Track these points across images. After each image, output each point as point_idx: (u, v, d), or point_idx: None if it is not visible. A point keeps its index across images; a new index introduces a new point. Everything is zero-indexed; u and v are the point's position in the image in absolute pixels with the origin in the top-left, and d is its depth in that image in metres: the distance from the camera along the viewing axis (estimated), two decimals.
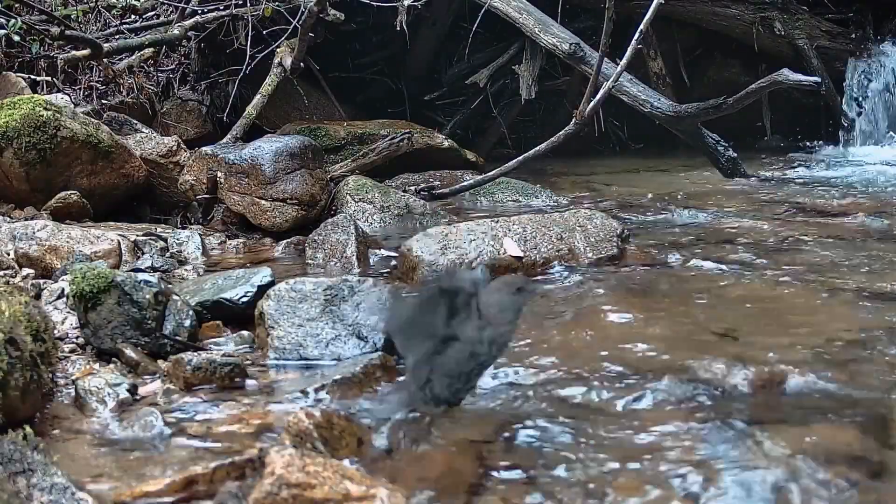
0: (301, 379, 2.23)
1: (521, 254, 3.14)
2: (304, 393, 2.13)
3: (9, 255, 3.25)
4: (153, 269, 3.24)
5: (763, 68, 6.42)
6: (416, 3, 5.97)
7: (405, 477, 1.71)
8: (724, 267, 3.19)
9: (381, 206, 4.24)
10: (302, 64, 5.56)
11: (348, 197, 4.27)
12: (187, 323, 2.49)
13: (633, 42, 4.39)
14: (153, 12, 6.64)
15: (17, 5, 5.71)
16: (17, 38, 5.20)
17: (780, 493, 1.60)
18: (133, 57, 6.12)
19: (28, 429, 1.79)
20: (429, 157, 5.55)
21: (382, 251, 3.58)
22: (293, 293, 2.48)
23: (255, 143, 4.29)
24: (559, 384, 2.14)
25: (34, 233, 3.31)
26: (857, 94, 6.67)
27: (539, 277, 3.10)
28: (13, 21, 5.12)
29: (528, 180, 5.05)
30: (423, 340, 1.91)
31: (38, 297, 2.81)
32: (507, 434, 1.90)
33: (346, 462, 1.70)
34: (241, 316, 2.64)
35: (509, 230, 3.21)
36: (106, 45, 5.58)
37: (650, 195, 4.95)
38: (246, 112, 5.49)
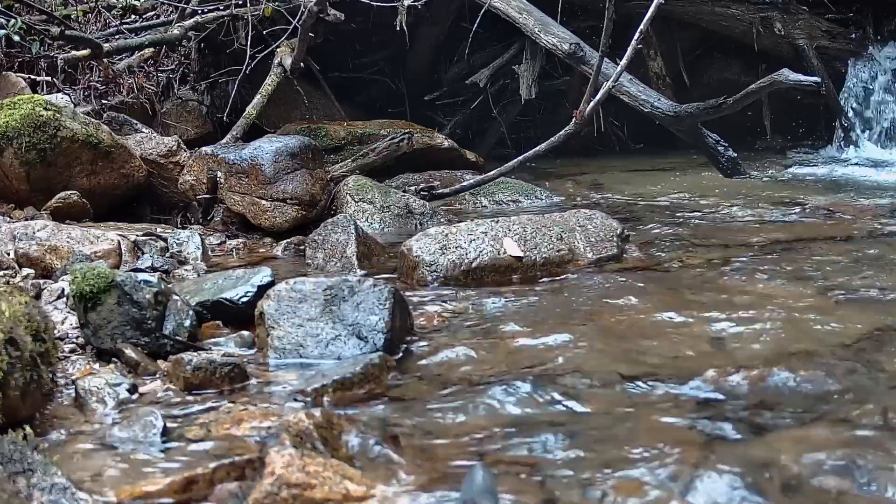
0: (301, 379, 2.23)
1: (521, 254, 3.14)
2: (304, 393, 2.13)
3: (9, 255, 3.25)
4: (153, 269, 3.23)
5: (763, 68, 6.41)
6: (416, 3, 5.97)
7: (405, 476, 1.71)
8: (723, 267, 3.20)
9: (381, 206, 4.24)
10: (302, 64, 5.56)
11: (348, 197, 4.27)
12: (187, 323, 2.49)
13: (633, 42, 4.39)
14: (153, 12, 6.64)
15: (17, 5, 5.71)
16: (17, 38, 5.19)
17: (779, 495, 1.61)
18: (133, 57, 6.12)
19: (28, 429, 1.79)
20: (429, 157, 5.55)
21: (382, 251, 3.57)
22: (293, 293, 2.48)
23: (255, 143, 4.29)
24: (558, 383, 2.14)
25: (34, 233, 3.31)
26: (857, 94, 6.67)
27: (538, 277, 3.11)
28: (13, 21, 5.11)
29: (528, 180, 5.05)
30: None
31: (38, 297, 2.81)
32: (506, 432, 1.90)
33: (345, 462, 1.70)
34: (241, 316, 2.63)
35: (509, 230, 3.21)
36: (106, 45, 5.58)
37: (650, 195, 4.95)
38: (246, 112, 5.49)
